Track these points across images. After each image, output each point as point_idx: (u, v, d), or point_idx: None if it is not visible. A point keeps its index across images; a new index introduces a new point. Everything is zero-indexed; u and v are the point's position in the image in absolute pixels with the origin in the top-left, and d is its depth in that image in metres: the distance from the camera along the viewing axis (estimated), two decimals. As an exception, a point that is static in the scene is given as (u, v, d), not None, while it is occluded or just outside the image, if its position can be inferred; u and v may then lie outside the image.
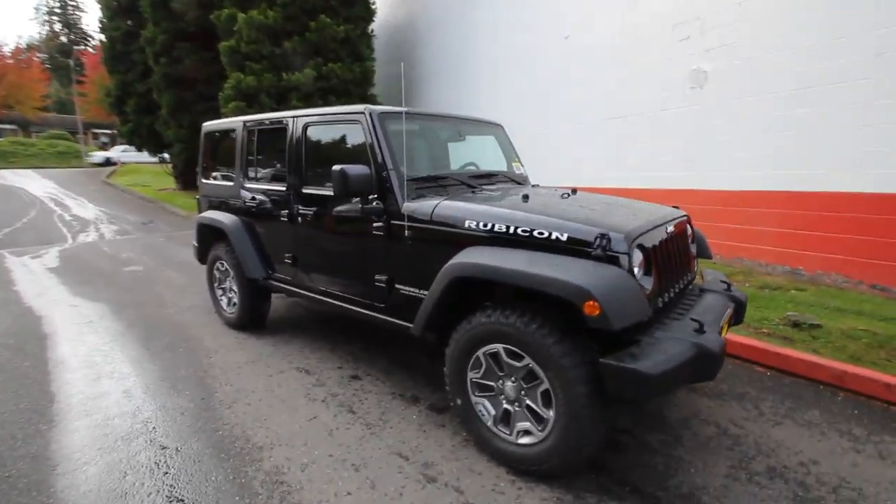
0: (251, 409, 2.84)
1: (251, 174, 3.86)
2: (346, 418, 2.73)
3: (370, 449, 2.44)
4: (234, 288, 4.03)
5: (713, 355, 1.97)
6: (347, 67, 10.72)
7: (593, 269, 1.99)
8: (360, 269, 3.01)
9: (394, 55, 11.72)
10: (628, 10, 6.73)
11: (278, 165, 3.62)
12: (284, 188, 3.47)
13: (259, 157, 3.80)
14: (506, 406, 2.30)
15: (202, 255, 4.43)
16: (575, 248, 2.13)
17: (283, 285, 3.69)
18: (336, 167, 2.68)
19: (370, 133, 2.85)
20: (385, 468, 2.29)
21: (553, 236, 2.18)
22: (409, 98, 11.38)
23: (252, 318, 4.03)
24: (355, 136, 2.98)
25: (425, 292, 2.61)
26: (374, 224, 2.82)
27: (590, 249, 2.09)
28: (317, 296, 3.38)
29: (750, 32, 5.39)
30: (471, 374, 2.37)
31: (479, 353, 2.31)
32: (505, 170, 3.62)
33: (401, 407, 2.87)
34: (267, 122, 3.69)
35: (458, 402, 2.43)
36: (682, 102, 6.10)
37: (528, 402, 2.20)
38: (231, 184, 4.04)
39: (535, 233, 2.23)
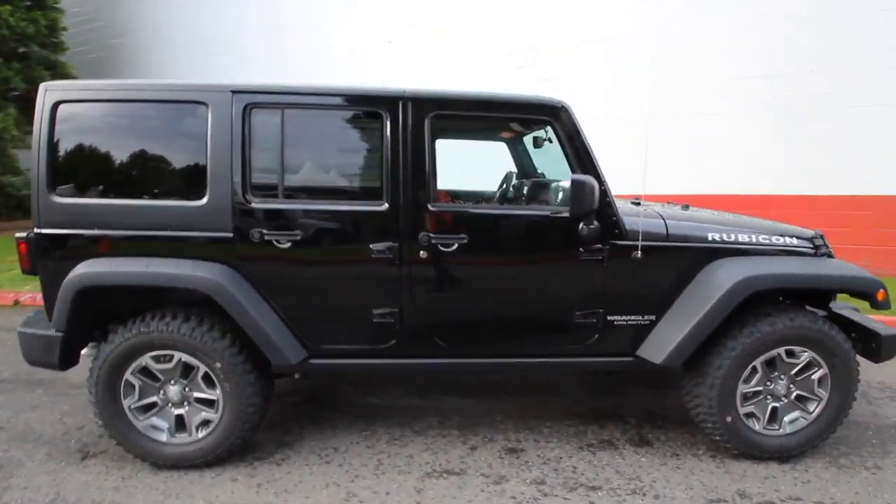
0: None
1: (265, 185, 2.23)
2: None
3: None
4: (202, 395, 2.26)
5: None
6: (24, 14, 6.99)
7: (842, 264, 2.41)
8: (551, 307, 2.35)
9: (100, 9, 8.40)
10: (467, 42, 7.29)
11: (354, 170, 2.26)
12: (383, 208, 2.22)
13: (291, 156, 2.23)
14: (773, 405, 2.41)
15: (68, 350, 2.22)
16: (798, 249, 2.48)
17: (346, 362, 2.37)
18: (579, 177, 2.05)
19: (574, 134, 2.26)
20: None
21: (785, 241, 2.45)
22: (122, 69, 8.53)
23: (245, 439, 2.35)
24: (538, 134, 2.28)
25: (650, 317, 2.38)
26: (585, 248, 2.28)
27: (811, 250, 2.49)
28: (438, 361, 2.38)
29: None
30: (741, 387, 2.35)
31: (757, 362, 2.32)
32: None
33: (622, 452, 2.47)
34: (327, 96, 2.26)
35: (728, 419, 2.36)
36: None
37: (797, 392, 2.40)
38: (189, 204, 2.19)
39: (774, 239, 2.44)
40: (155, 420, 2.31)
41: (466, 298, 2.35)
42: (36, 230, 2.21)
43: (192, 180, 2.21)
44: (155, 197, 2.24)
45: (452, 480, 2.28)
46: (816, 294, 2.50)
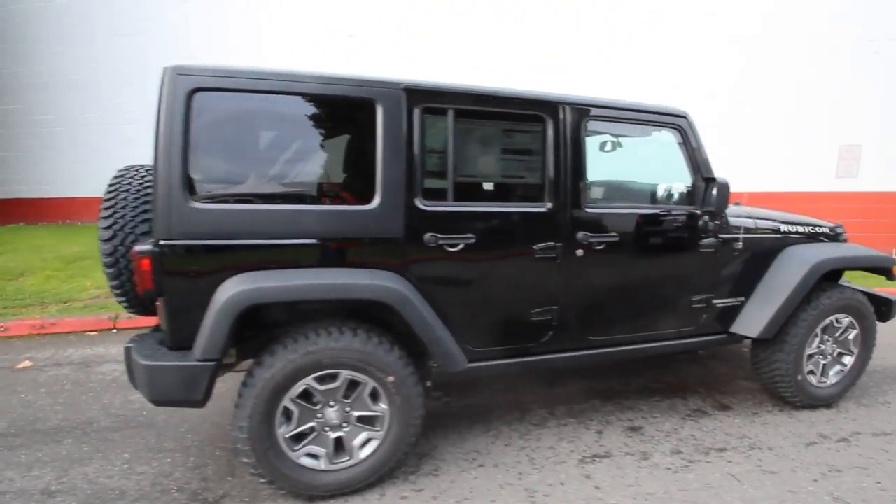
0: None
1: (433, 187, 2.13)
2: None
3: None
4: (366, 413, 2.13)
5: None
6: None
7: (862, 247, 3.06)
8: (676, 296, 2.63)
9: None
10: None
11: (514, 172, 2.26)
12: (545, 209, 2.27)
13: (460, 157, 2.16)
14: (823, 362, 2.97)
15: (213, 381, 1.91)
16: (829, 235, 3.09)
17: (496, 363, 2.38)
18: (722, 179, 2.36)
19: (691, 140, 2.54)
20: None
21: (818, 230, 3.04)
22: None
23: (407, 453, 2.24)
24: (662, 140, 2.52)
25: (741, 299, 2.81)
26: (704, 241, 2.60)
27: (834, 237, 3.12)
28: (584, 353, 2.52)
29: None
30: (807, 351, 2.87)
31: (818, 329, 2.86)
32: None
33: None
34: (495, 99, 2.22)
35: (799, 377, 2.86)
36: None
37: (838, 350, 3.00)
38: (356, 209, 2.02)
39: (812, 229, 3.01)
40: (312, 447, 2.09)
41: (611, 292, 2.52)
42: (165, 242, 1.85)
43: (359, 183, 2.04)
44: (314, 201, 2.02)
45: (607, 463, 2.44)
46: (839, 271, 3.14)
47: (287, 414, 2.02)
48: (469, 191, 2.26)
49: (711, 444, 2.62)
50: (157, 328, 2.27)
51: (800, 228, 2.96)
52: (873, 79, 6.70)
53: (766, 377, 2.95)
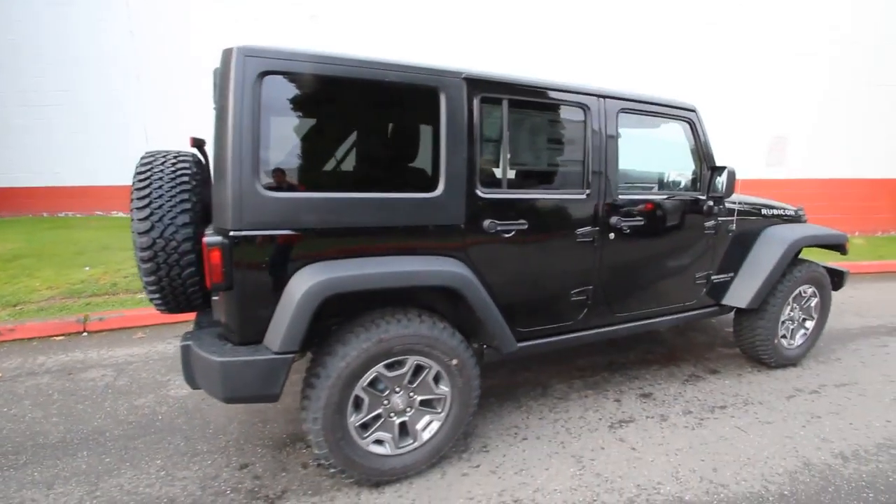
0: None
1: (489, 175, 2.19)
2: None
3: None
4: (428, 397, 2.19)
5: None
6: None
7: (822, 227, 3.55)
8: (686, 274, 2.91)
9: None
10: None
11: (558, 160, 2.37)
12: (585, 196, 2.42)
13: (513, 146, 2.23)
14: (792, 327, 3.43)
15: (277, 382, 1.87)
16: (794, 217, 3.55)
17: (539, 342, 2.53)
18: (731, 167, 2.65)
19: (700, 131, 2.81)
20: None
21: (786, 213, 3.48)
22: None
23: (463, 432, 2.34)
24: (674, 132, 2.75)
25: (731, 274, 3.18)
26: (707, 223, 2.90)
27: (797, 217, 3.59)
28: (610, 328, 2.73)
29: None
30: (782, 317, 3.30)
31: (790, 298, 3.29)
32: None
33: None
34: (545, 91, 2.32)
35: (776, 341, 3.28)
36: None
37: (803, 316, 3.47)
38: (421, 196, 2.05)
39: (786, 211, 3.45)
40: (379, 433, 2.11)
41: (634, 271, 2.74)
42: (236, 232, 1.77)
43: (423, 171, 2.06)
44: (381, 189, 2.01)
45: (633, 427, 2.69)
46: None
47: (357, 402, 2.03)
48: (521, 178, 2.35)
49: (714, 403, 2.96)
50: (198, 324, 2.16)
51: (775, 211, 3.38)
52: (800, 78, 7.64)
53: (747, 342, 3.36)
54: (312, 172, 1.97)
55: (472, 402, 2.26)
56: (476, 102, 2.12)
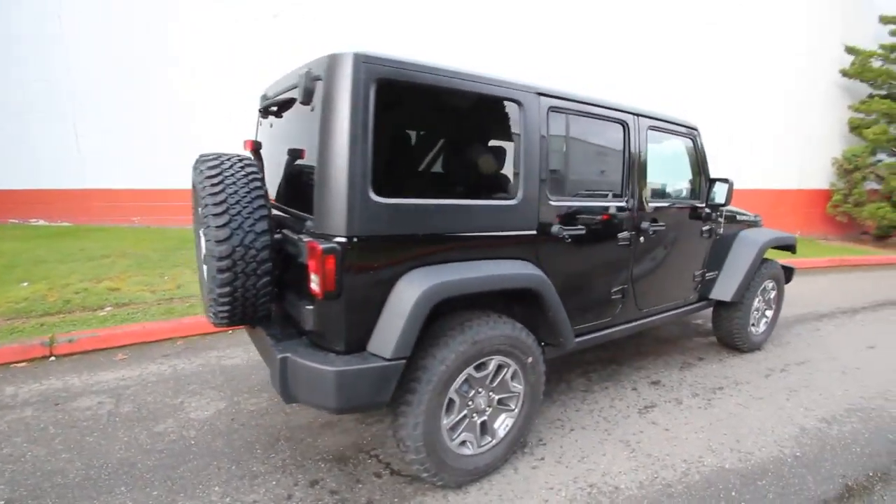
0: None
1: (556, 184, 2.34)
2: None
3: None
4: (506, 395, 2.29)
5: None
6: None
7: (776, 231, 4.17)
8: (688, 273, 3.29)
9: None
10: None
11: (604, 171, 2.58)
12: (626, 203, 2.67)
13: (573, 157, 2.39)
14: (758, 316, 3.99)
15: (389, 388, 1.88)
16: (755, 222, 4.13)
17: (586, 337, 2.74)
18: (730, 179, 3.07)
19: (701, 147, 3.20)
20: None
21: (752, 219, 4.06)
22: None
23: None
24: (682, 146, 3.11)
25: (717, 272, 3.65)
26: (704, 227, 3.31)
27: (756, 222, 4.18)
28: (635, 323, 3.02)
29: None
30: (753, 308, 3.84)
31: (758, 291, 3.83)
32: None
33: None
34: (597, 106, 2.54)
35: (749, 329, 3.80)
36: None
37: (765, 307, 4.05)
38: (503, 203, 2.15)
39: (750, 217, 4.01)
40: (464, 434, 2.16)
41: (654, 271, 3.04)
42: (346, 238, 1.74)
43: (506, 178, 2.16)
44: (471, 196, 2.07)
45: (658, 411, 2.98)
46: None
47: (450, 405, 2.06)
48: (577, 187, 2.54)
49: (712, 385, 3.37)
50: (275, 335, 2.05)
51: (744, 217, 3.93)
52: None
53: (725, 331, 3.86)
54: (416, 179, 1.99)
55: (540, 396, 2.38)
56: (547, 115, 2.27)
